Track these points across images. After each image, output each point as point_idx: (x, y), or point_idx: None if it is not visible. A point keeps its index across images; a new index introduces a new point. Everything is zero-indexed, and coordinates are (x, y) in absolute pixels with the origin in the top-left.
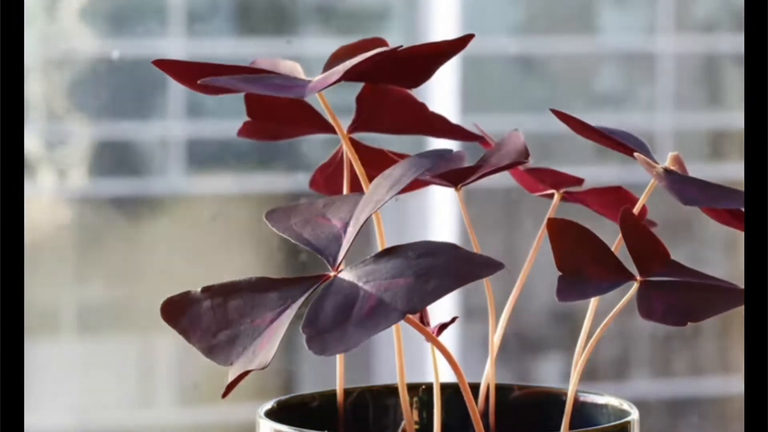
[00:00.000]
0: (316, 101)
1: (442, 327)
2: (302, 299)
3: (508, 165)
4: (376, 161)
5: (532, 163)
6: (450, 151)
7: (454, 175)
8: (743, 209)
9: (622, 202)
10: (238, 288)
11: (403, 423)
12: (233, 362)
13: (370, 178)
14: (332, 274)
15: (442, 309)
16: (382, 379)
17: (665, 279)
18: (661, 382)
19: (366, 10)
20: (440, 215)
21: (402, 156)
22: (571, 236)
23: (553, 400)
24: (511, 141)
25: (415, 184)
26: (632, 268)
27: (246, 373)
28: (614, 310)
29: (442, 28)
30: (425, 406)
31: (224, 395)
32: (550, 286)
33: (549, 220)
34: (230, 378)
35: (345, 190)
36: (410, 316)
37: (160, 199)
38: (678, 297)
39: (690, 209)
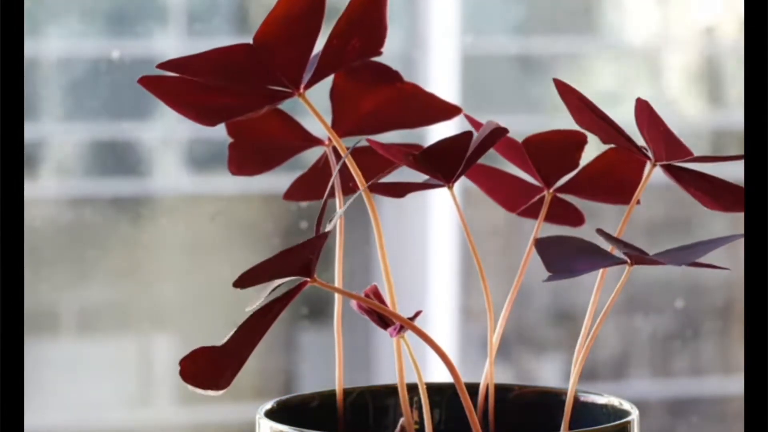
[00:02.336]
0: (304, 109)
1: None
2: (287, 306)
3: (488, 136)
4: (367, 162)
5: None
6: None
7: (443, 171)
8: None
9: (622, 173)
10: (241, 329)
11: (402, 420)
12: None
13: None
14: (309, 279)
15: (441, 309)
16: (382, 379)
17: (656, 255)
18: (661, 382)
19: None
20: (440, 214)
21: (394, 149)
22: (560, 247)
23: (553, 400)
24: (487, 126)
25: (407, 188)
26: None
27: (202, 352)
28: (612, 295)
29: (442, 28)
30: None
31: (182, 373)
32: (550, 286)
33: (536, 240)
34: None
35: (338, 198)
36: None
37: (160, 199)
38: (671, 259)
39: (690, 210)
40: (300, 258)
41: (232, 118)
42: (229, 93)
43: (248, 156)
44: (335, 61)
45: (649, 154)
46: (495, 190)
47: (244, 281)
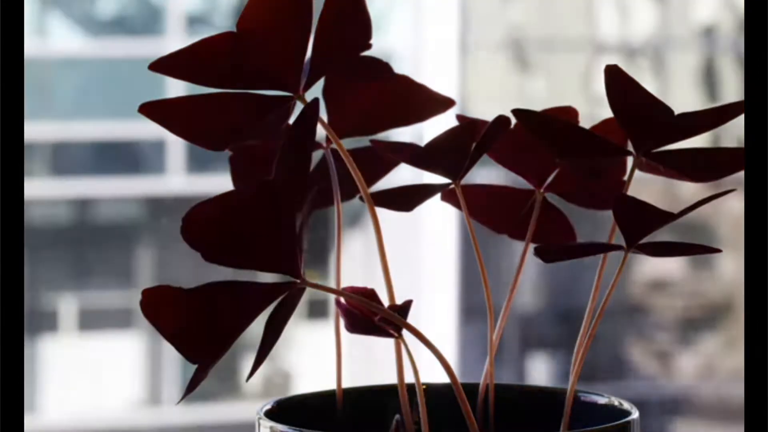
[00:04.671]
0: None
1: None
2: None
3: (494, 126)
4: (367, 164)
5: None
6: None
7: (449, 167)
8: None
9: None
10: (212, 290)
11: (397, 417)
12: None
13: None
14: (298, 281)
15: (441, 309)
16: (382, 379)
17: (650, 242)
18: (661, 381)
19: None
20: (441, 213)
21: (391, 146)
22: (559, 255)
23: (553, 400)
24: (492, 120)
25: (414, 198)
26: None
27: (167, 291)
28: (612, 283)
29: (441, 28)
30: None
31: (141, 305)
32: (551, 287)
33: (536, 252)
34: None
35: (336, 203)
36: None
37: (160, 199)
38: (664, 251)
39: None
40: (279, 251)
41: (239, 140)
42: (228, 105)
43: (249, 168)
44: (328, 59)
45: (630, 147)
46: (483, 210)
47: (193, 234)
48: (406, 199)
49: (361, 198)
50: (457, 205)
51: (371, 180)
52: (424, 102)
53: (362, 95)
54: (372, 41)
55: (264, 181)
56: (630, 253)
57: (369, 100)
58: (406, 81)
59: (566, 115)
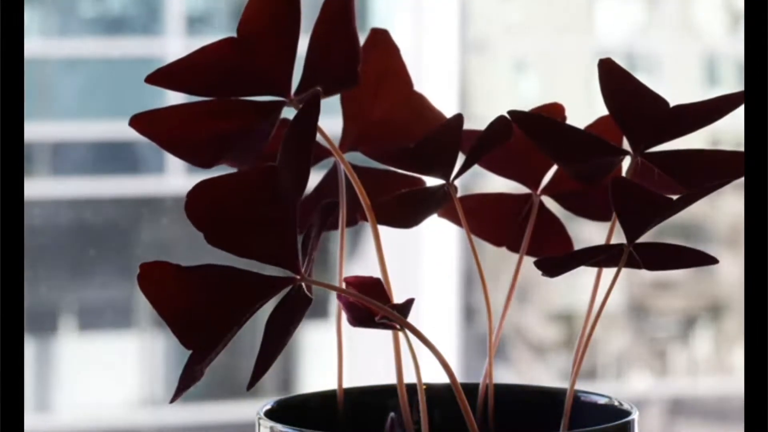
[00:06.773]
0: None
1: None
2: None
3: (494, 127)
4: (378, 184)
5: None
6: None
7: (440, 168)
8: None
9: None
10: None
11: (392, 416)
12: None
13: (374, 206)
14: (298, 276)
15: (440, 309)
16: (381, 379)
17: (650, 242)
18: (662, 381)
19: (366, 10)
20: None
21: (381, 152)
22: (561, 267)
23: (553, 400)
24: (495, 123)
25: (421, 201)
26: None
27: (166, 266)
28: (612, 278)
29: (441, 28)
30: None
31: (139, 278)
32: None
33: (538, 265)
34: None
35: (340, 224)
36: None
37: (160, 199)
38: (660, 264)
39: (695, 215)
40: (278, 242)
41: (227, 156)
42: (219, 114)
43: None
44: (318, 77)
45: (627, 146)
46: (480, 220)
47: (197, 211)
48: (406, 210)
49: (364, 219)
50: (455, 220)
51: (374, 190)
52: (434, 123)
53: (378, 107)
54: (359, 71)
55: (266, 166)
56: (628, 257)
57: (384, 112)
58: (422, 100)
59: (554, 112)
